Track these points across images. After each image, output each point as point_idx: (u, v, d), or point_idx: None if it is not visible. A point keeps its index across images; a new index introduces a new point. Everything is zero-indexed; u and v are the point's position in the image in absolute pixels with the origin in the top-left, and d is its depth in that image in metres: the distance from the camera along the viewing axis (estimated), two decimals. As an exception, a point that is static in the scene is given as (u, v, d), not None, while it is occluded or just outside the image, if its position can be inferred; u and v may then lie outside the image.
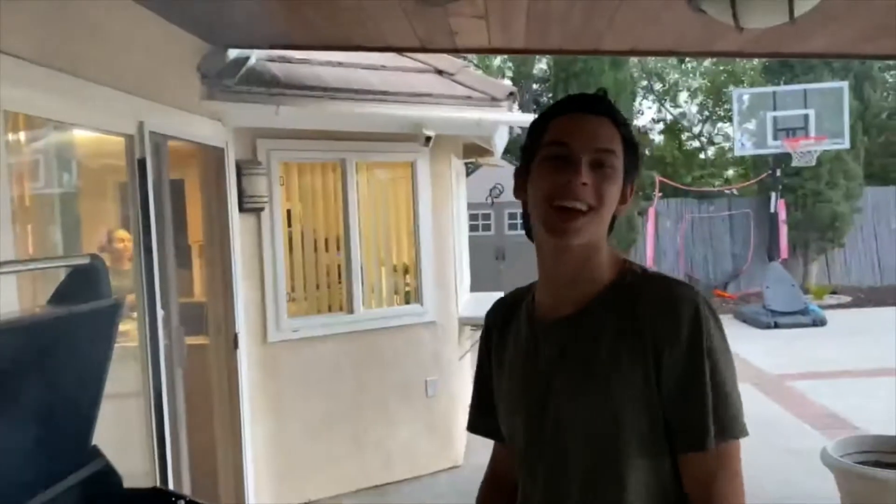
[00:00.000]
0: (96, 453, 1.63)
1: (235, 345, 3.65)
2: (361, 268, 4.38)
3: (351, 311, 4.32)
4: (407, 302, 4.70)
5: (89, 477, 1.58)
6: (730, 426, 1.10)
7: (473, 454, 4.37)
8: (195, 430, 3.42)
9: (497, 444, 1.36)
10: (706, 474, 1.11)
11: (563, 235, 1.12)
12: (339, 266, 4.45)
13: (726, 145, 18.47)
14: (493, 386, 1.29)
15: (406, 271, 4.81)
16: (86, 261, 1.44)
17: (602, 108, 1.15)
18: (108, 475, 1.61)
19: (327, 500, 3.95)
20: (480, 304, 4.83)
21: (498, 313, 1.32)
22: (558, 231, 1.12)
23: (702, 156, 19.87)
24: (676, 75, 20.18)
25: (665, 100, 20.41)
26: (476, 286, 6.07)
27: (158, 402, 3.07)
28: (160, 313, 2.93)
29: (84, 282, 1.44)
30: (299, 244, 4.35)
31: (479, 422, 1.35)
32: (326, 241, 4.49)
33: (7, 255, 1.96)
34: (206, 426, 3.63)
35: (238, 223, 3.81)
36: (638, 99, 17.97)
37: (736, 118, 11.83)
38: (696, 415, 1.10)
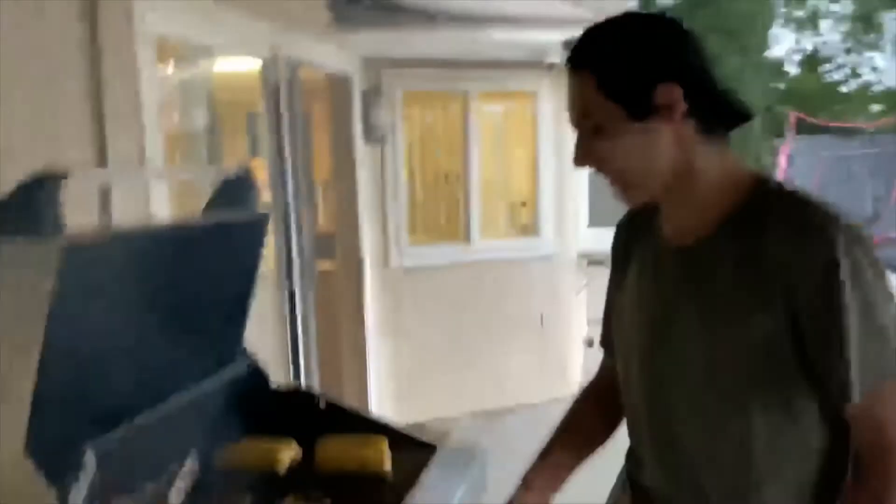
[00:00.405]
0: (245, 355, 1.79)
1: (360, 270, 3.83)
2: (480, 199, 4.42)
3: (468, 242, 4.40)
4: (524, 235, 4.72)
5: (239, 375, 1.74)
6: (888, 366, 0.99)
7: (587, 387, 4.41)
8: (324, 351, 3.64)
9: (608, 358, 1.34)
10: (872, 422, 1.00)
11: (622, 202, 1.12)
12: (458, 197, 4.52)
13: (872, 78, 16.94)
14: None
15: (524, 204, 4.82)
16: (237, 173, 1.55)
17: (579, 60, 1.03)
18: (257, 375, 1.76)
19: (443, 420, 4.13)
20: (598, 239, 4.78)
21: (627, 227, 1.25)
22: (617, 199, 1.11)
23: (843, 89, 18.34)
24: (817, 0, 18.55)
25: (805, 29, 18.85)
26: (594, 221, 5.99)
27: (293, 321, 3.29)
28: (294, 239, 3.11)
29: (235, 193, 1.55)
30: (420, 175, 4.45)
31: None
32: (447, 174, 4.55)
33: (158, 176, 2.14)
34: (334, 346, 3.86)
35: (363, 154, 3.93)
36: (774, 28, 16.71)
37: (890, 46, 10.78)
38: (840, 362, 0.98)
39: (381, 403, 4.01)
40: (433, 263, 4.26)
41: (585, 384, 1.41)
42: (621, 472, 1.33)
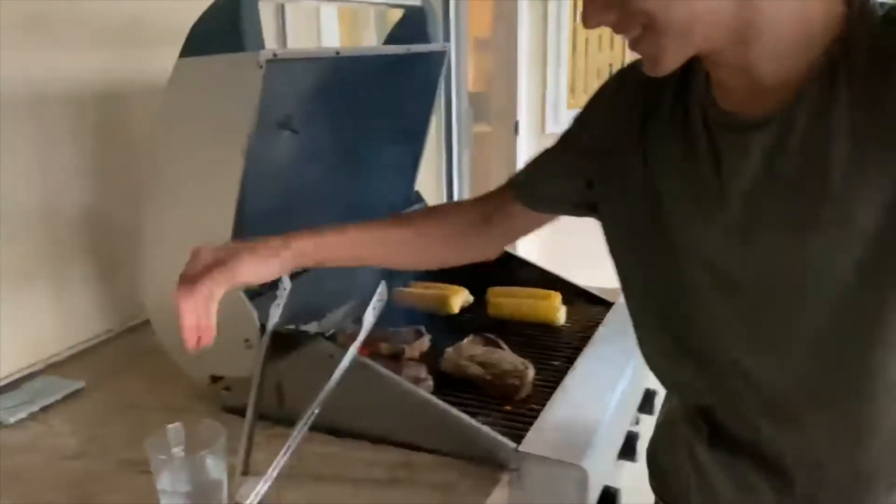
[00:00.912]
0: (419, 198, 1.77)
1: (516, 132, 3.72)
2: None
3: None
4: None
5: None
6: None
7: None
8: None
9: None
10: None
11: (651, 70, 0.74)
12: (620, 60, 4.23)
13: None
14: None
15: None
16: (418, 3, 1.47)
17: None
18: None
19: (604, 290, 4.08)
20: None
21: (639, 86, 0.86)
22: None
23: None
24: None
25: None
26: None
27: (449, 180, 3.29)
28: (454, 97, 3.04)
29: (416, 25, 1.48)
30: (582, 37, 4.18)
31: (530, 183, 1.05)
32: (613, 37, 4.25)
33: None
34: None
35: (526, 11, 3.72)
36: None
37: None
38: None
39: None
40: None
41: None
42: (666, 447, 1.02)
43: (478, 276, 1.63)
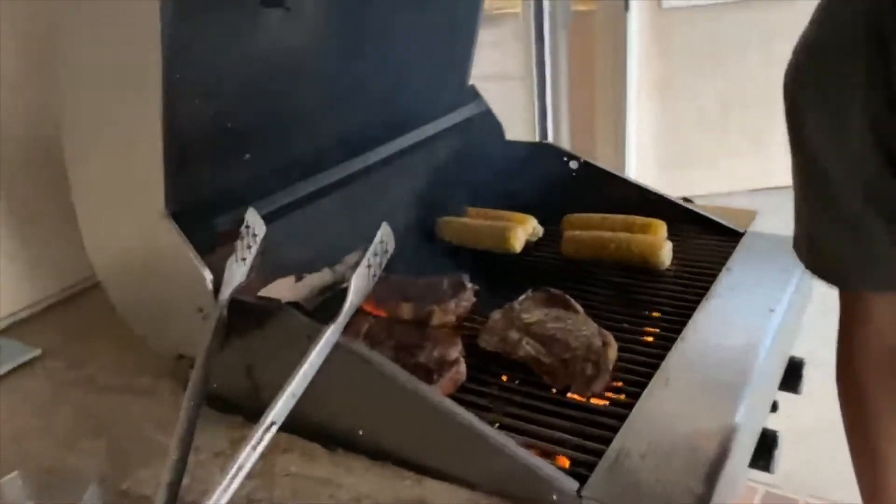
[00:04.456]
0: (474, 94, 1.35)
1: (626, 8, 3.12)
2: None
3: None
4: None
5: (470, 119, 1.33)
6: None
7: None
8: (577, 107, 3.13)
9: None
10: None
11: None
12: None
13: None
14: None
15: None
16: None
17: None
18: (488, 120, 1.33)
19: (715, 195, 3.51)
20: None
21: None
22: None
23: None
24: None
25: None
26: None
27: (541, 68, 2.80)
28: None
29: None
30: None
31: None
32: None
33: None
34: (589, 103, 3.32)
35: None
36: None
37: None
38: None
39: (642, 171, 3.47)
40: (717, 0, 3.38)
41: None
42: None
43: (552, 200, 1.21)
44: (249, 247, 0.85)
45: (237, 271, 0.84)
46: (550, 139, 2.98)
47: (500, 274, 1.10)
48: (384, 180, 1.20)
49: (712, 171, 3.60)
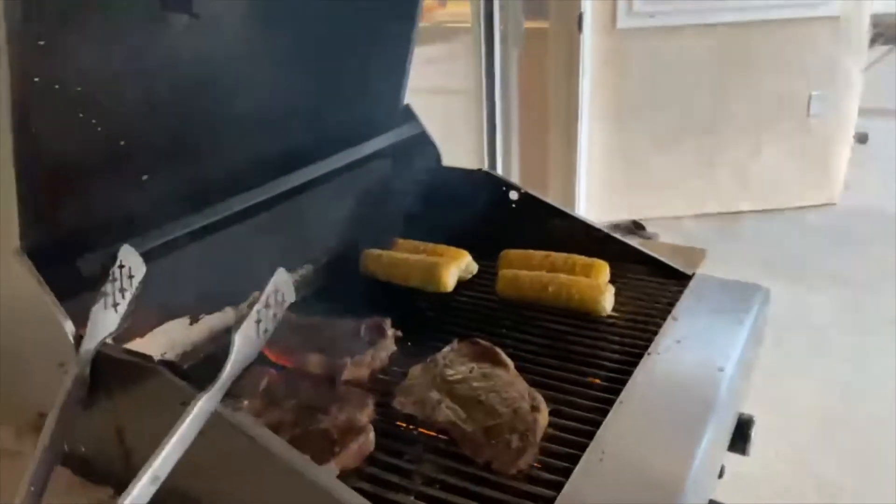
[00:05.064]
0: (410, 115, 1.24)
1: (579, 28, 3.06)
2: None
3: (722, -5, 3.39)
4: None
5: (404, 141, 1.22)
6: None
7: (854, 193, 3.45)
8: (528, 126, 3.06)
9: None
10: None
11: None
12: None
13: None
14: None
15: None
16: None
17: None
18: (424, 143, 1.22)
19: (665, 219, 3.47)
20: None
21: None
22: None
23: None
24: None
25: None
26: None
27: (490, 84, 2.71)
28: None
29: None
30: None
31: None
32: None
33: None
34: (541, 122, 3.25)
35: None
36: None
37: None
38: None
39: (592, 195, 3.41)
40: (672, 23, 3.35)
41: None
42: None
43: (489, 233, 1.11)
44: (123, 290, 0.72)
45: (106, 319, 0.71)
46: (499, 156, 2.90)
47: (428, 316, 0.99)
48: (305, 206, 1.09)
49: (664, 195, 3.56)
